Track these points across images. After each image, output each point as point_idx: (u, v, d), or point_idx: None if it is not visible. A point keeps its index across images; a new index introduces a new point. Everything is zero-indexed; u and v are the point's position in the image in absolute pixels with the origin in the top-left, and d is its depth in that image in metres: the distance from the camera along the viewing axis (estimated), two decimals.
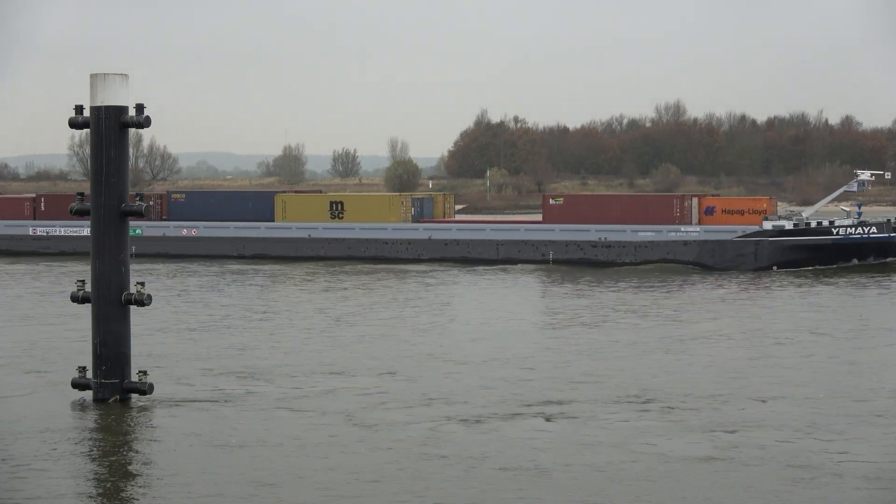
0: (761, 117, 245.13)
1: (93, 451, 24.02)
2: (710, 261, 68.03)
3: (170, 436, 25.10)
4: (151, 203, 79.47)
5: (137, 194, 29.40)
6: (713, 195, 78.11)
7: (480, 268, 68.51)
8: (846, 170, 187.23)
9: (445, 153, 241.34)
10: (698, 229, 69.26)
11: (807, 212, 72.81)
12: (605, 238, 70.78)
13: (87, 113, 28.29)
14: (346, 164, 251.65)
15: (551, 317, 47.67)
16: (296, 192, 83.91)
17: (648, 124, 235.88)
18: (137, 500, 20.65)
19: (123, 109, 28.00)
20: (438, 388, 30.64)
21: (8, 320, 45.23)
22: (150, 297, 28.16)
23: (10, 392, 30.17)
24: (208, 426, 26.05)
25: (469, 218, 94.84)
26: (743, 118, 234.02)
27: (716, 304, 51.22)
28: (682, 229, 69.47)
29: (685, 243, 69.08)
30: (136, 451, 23.93)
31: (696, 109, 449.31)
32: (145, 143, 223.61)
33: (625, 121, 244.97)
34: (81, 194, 29.32)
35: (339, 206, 77.03)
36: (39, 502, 20.27)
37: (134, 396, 28.25)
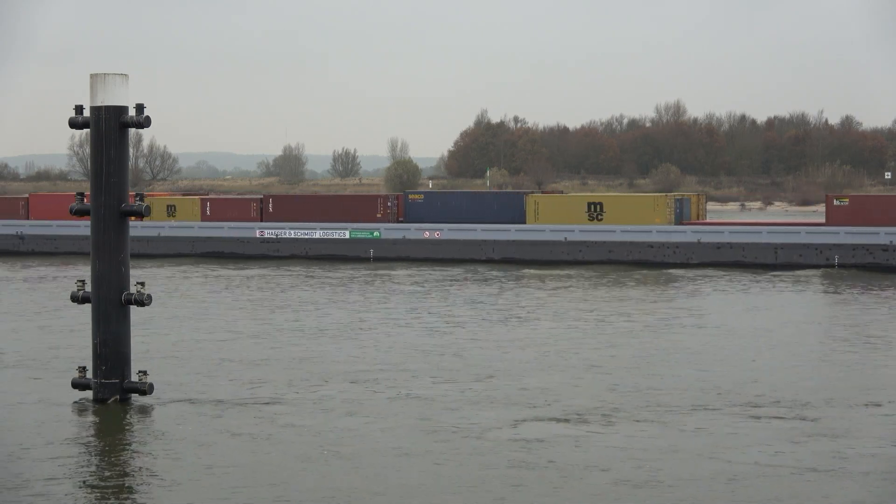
0: (761, 117, 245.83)
1: (92, 451, 24.01)
2: None
3: (170, 436, 25.07)
4: (389, 205, 77.78)
5: (138, 194, 29.38)
6: None
7: (758, 273, 65.83)
8: (846, 170, 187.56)
9: (445, 153, 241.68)
10: None
11: None
12: None
13: (87, 113, 28.28)
14: (346, 164, 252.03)
15: (825, 326, 44.40)
16: (543, 192, 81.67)
17: (648, 124, 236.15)
18: (137, 500, 20.64)
19: (123, 109, 27.99)
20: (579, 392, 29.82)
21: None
22: (150, 297, 28.14)
23: (9, 392, 30.14)
24: (217, 426, 25.99)
25: (740, 220, 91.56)
26: (743, 118, 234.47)
27: None
28: None
29: None
30: (136, 451, 23.91)
31: (696, 109, 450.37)
32: (145, 143, 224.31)
33: (625, 121, 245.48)
34: (81, 194, 29.31)
35: (598, 207, 73.64)
36: (38, 502, 20.25)
37: (134, 396, 28.24)
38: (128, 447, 24.27)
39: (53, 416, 26.98)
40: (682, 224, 72.88)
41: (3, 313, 47.56)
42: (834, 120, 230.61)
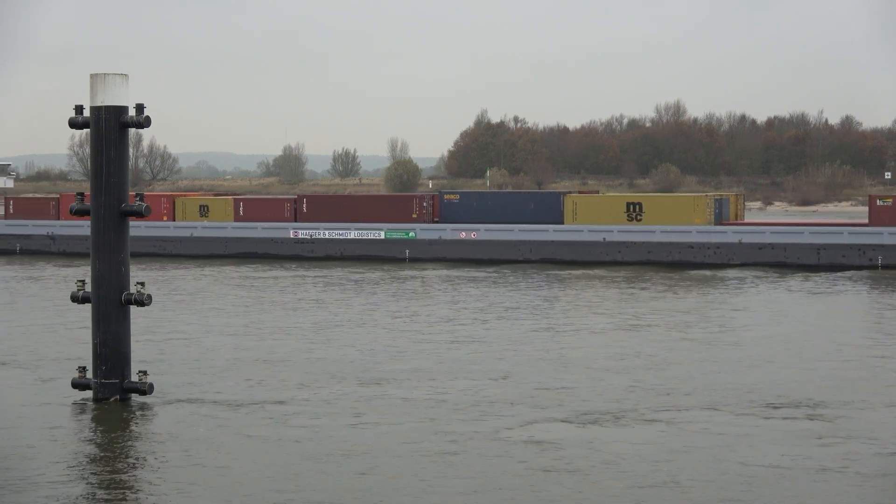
0: (761, 117, 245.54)
1: (92, 451, 24.02)
2: None
3: (169, 436, 25.05)
4: (425, 205, 77.02)
5: (138, 194, 29.39)
6: None
7: (799, 273, 64.66)
8: (846, 170, 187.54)
9: (445, 153, 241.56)
10: None
11: None
12: None
13: (87, 113, 28.29)
14: (346, 164, 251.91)
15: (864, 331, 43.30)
16: (580, 192, 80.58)
17: (648, 124, 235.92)
18: (137, 500, 20.63)
19: (123, 109, 28.00)
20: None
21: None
22: (150, 297, 28.15)
23: (10, 392, 30.15)
24: (217, 426, 25.98)
25: (782, 220, 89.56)
26: (743, 118, 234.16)
27: None
28: None
29: None
30: (135, 451, 23.91)
31: (696, 109, 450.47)
32: (145, 143, 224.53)
33: (625, 121, 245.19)
34: (81, 194, 29.33)
35: (637, 207, 72.83)
36: (38, 502, 20.24)
37: (134, 396, 28.23)
38: (128, 447, 24.26)
39: (53, 416, 26.96)
40: (722, 224, 72.13)
41: (7, 311, 47.57)
42: (834, 120, 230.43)
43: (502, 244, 73.75)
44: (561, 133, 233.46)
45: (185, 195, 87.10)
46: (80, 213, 28.77)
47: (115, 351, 27.83)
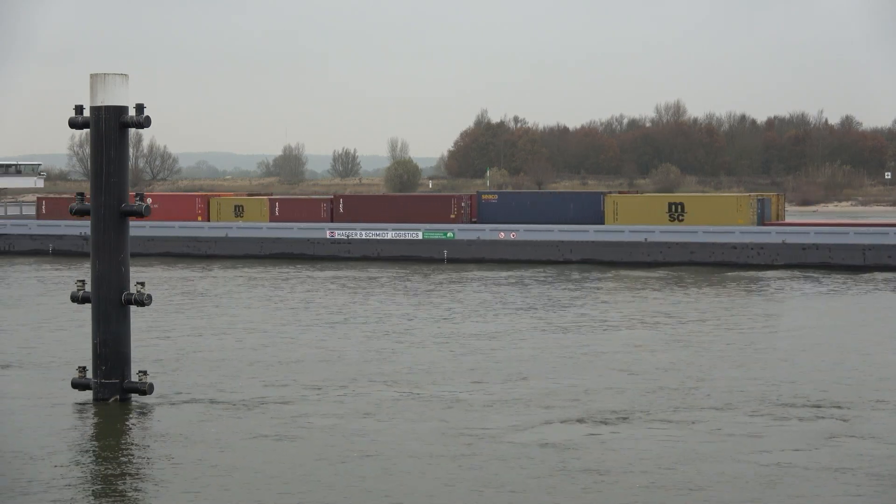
0: (761, 117, 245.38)
1: (92, 451, 24.03)
2: None
3: (169, 436, 25.05)
4: (463, 205, 76.58)
5: (138, 194, 29.40)
6: None
7: (843, 275, 63.74)
8: (846, 170, 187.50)
9: (445, 153, 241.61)
10: None
11: None
12: None
13: (87, 113, 28.30)
14: (346, 164, 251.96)
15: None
16: (620, 192, 79.62)
17: (648, 124, 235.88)
18: (136, 500, 20.62)
19: (123, 109, 28.01)
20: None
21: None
22: (150, 297, 28.16)
23: (10, 392, 30.15)
24: (214, 426, 25.98)
25: (827, 221, 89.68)
26: (743, 118, 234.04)
27: None
28: None
29: None
30: (136, 451, 23.91)
31: (696, 109, 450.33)
32: (145, 143, 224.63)
33: (625, 121, 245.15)
34: (81, 194, 29.33)
35: (680, 207, 72.31)
36: (38, 502, 20.24)
37: (134, 396, 28.24)
38: (128, 448, 24.26)
39: (53, 417, 26.97)
40: (765, 224, 71.64)
41: (10, 311, 47.59)
42: (834, 120, 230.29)
43: (542, 245, 73.09)
44: (561, 133, 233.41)
45: (219, 195, 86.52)
46: (80, 213, 28.78)
47: (115, 351, 27.84)
